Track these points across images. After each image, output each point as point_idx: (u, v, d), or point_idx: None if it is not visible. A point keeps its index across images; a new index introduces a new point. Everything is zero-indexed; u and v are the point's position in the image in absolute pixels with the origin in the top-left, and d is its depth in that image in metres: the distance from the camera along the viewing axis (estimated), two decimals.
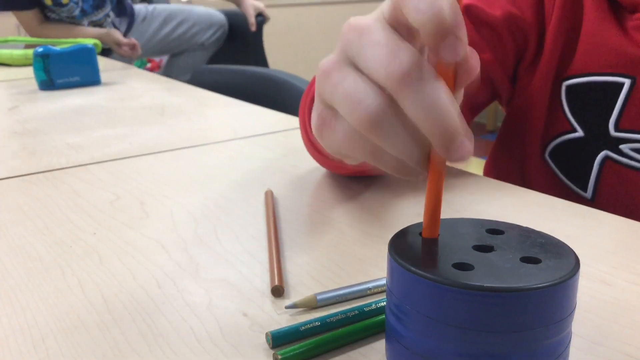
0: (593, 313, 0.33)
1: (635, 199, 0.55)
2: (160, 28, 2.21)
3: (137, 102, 0.96)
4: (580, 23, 0.55)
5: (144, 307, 0.35)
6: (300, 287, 0.37)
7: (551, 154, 0.59)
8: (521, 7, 0.57)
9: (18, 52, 1.40)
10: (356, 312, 0.33)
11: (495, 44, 0.57)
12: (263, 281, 0.38)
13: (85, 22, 2.00)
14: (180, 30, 2.22)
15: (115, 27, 2.09)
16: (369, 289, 0.36)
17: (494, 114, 3.42)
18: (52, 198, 0.53)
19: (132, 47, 2.01)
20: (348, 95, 0.26)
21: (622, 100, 0.52)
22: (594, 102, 0.55)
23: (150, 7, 2.26)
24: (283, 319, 0.33)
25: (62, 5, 1.91)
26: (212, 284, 0.37)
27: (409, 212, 0.48)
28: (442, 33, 0.23)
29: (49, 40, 1.64)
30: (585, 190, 0.57)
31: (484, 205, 0.49)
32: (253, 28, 2.26)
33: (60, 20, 1.97)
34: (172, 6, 2.30)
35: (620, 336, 0.31)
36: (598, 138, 0.55)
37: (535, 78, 0.58)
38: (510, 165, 0.65)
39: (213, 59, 2.36)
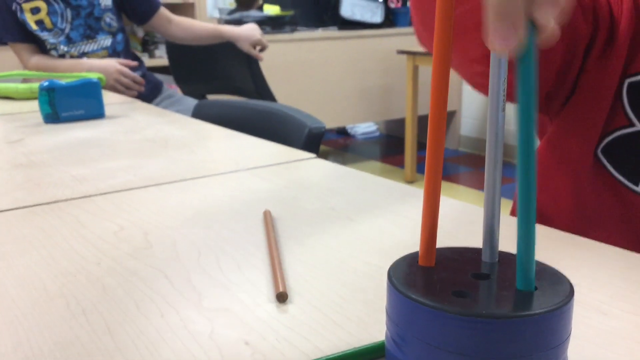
0: (589, 341, 0.33)
1: None
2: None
3: (141, 134, 0.97)
4: None
5: (147, 336, 0.35)
6: (302, 317, 0.37)
7: (604, 150, 0.61)
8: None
9: (23, 86, 1.42)
10: None
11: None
12: (265, 310, 0.38)
13: (74, 51, 1.96)
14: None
15: None
16: None
17: None
18: (57, 229, 0.54)
19: (137, 82, 1.90)
20: None
21: None
22: None
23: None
24: (284, 347, 0.34)
25: (48, 30, 1.90)
26: (214, 313, 0.38)
27: (407, 241, 0.49)
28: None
29: (54, 74, 1.66)
30: (637, 184, 0.59)
31: (481, 235, 0.49)
32: (261, 58, 2.15)
33: (54, 55, 1.95)
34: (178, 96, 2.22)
35: None
36: None
37: (605, 73, 0.60)
38: (562, 169, 0.65)
39: (216, 87, 2.31)
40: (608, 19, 0.59)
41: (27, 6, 1.87)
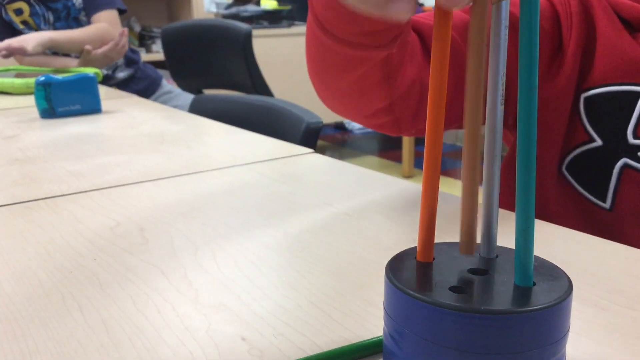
0: (588, 337, 0.33)
1: None
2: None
3: (137, 130, 0.97)
4: (595, 37, 0.57)
5: (143, 332, 0.35)
6: (299, 313, 0.37)
7: (568, 167, 0.59)
8: (541, 15, 0.58)
9: (19, 81, 1.42)
10: None
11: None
12: (262, 306, 0.38)
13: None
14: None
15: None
16: None
17: None
18: (52, 224, 0.54)
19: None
20: None
21: (639, 109, 0.54)
22: (612, 112, 0.56)
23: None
24: (281, 343, 0.34)
25: (34, 30, 1.86)
26: (211, 309, 0.38)
27: (405, 237, 0.49)
28: None
29: (45, 69, 1.65)
30: (604, 200, 0.57)
31: (479, 230, 0.49)
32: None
33: (47, 53, 1.94)
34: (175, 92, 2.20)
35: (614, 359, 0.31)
36: (617, 146, 0.56)
37: (556, 91, 0.58)
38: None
39: (213, 81, 2.30)
40: (550, 44, 0.58)
41: (10, 7, 1.88)
